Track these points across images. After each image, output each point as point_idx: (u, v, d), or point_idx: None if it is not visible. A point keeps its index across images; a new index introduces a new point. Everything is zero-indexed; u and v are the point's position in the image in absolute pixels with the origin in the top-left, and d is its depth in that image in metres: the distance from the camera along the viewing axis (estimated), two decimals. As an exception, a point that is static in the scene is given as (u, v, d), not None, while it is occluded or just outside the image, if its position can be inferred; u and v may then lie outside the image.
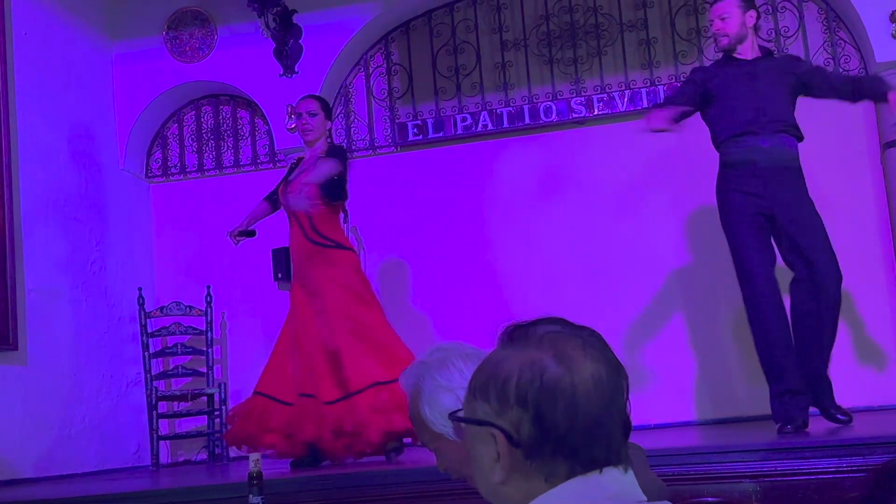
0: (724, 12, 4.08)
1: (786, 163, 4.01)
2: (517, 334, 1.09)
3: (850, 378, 5.28)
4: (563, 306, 5.69)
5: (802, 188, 4.05)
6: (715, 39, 4.18)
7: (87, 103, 5.86)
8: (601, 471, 1.02)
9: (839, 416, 3.87)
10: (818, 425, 3.90)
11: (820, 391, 3.91)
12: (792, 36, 5.68)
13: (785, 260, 3.99)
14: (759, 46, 4.16)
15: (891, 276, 5.39)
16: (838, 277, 3.87)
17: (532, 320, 1.10)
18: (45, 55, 5.47)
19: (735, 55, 4.10)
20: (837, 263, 3.88)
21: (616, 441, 1.04)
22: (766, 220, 3.95)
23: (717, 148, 4.10)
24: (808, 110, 5.56)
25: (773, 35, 5.71)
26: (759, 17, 4.14)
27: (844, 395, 5.22)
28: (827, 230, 3.96)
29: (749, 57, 4.10)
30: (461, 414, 1.11)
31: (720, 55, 4.26)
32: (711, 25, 4.19)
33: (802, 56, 5.63)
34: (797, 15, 5.69)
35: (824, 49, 5.63)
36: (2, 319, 4.80)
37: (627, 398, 1.06)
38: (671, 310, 5.60)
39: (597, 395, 1.02)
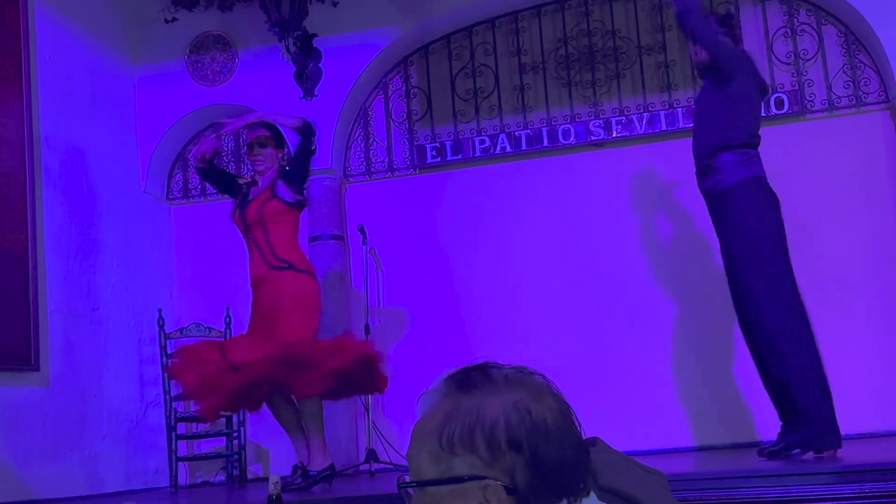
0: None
1: None
2: (474, 379, 1.02)
3: (871, 402, 5.24)
4: (580, 327, 5.68)
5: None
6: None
7: (109, 126, 5.92)
8: (588, 495, 1.01)
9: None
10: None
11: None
12: (811, 59, 5.68)
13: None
14: None
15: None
16: None
17: (470, 366, 1.05)
18: (69, 78, 5.54)
19: None
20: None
21: (591, 466, 1.03)
22: None
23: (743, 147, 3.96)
24: (824, 130, 5.57)
25: (793, 58, 5.70)
26: None
27: (866, 419, 5.20)
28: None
29: None
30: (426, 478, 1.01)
31: None
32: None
33: (822, 79, 5.64)
34: (816, 38, 5.68)
35: (844, 72, 5.62)
36: (24, 341, 4.84)
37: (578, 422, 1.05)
38: (688, 330, 5.58)
39: (568, 426, 1.01)
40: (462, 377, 1.04)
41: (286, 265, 4.39)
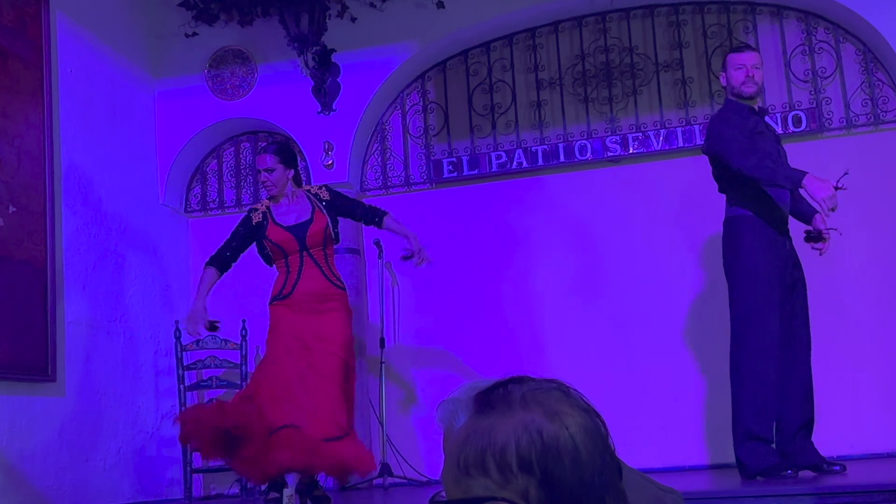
0: (758, 62, 4.26)
1: None
2: (493, 400, 1.03)
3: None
4: (595, 344, 5.67)
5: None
6: (742, 84, 4.19)
7: (129, 139, 5.97)
8: None
9: None
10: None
11: None
12: (829, 77, 5.67)
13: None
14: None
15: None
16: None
17: (498, 382, 1.05)
18: (90, 91, 5.59)
19: (755, 106, 4.25)
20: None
21: (619, 485, 1.01)
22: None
23: (740, 196, 4.12)
24: (841, 148, 5.55)
25: (811, 76, 5.69)
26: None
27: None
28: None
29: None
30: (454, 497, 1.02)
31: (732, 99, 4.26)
32: (741, 70, 4.20)
33: (840, 97, 5.63)
34: (834, 56, 5.67)
35: (862, 90, 5.60)
36: (41, 351, 4.87)
37: (611, 438, 1.04)
38: (704, 347, 5.55)
39: (591, 444, 0.99)
40: (483, 397, 1.04)
41: (342, 285, 4.62)
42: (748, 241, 4.03)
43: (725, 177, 4.14)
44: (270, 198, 4.63)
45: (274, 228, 4.52)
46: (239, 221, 4.71)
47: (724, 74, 4.31)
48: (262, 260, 4.65)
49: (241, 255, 4.70)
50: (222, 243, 4.70)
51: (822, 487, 3.19)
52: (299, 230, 4.50)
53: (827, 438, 4.57)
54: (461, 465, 1.00)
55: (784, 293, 4.04)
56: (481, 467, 0.98)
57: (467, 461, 1.00)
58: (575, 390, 1.04)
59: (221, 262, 4.66)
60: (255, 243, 4.61)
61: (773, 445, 3.93)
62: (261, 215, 4.60)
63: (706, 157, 4.25)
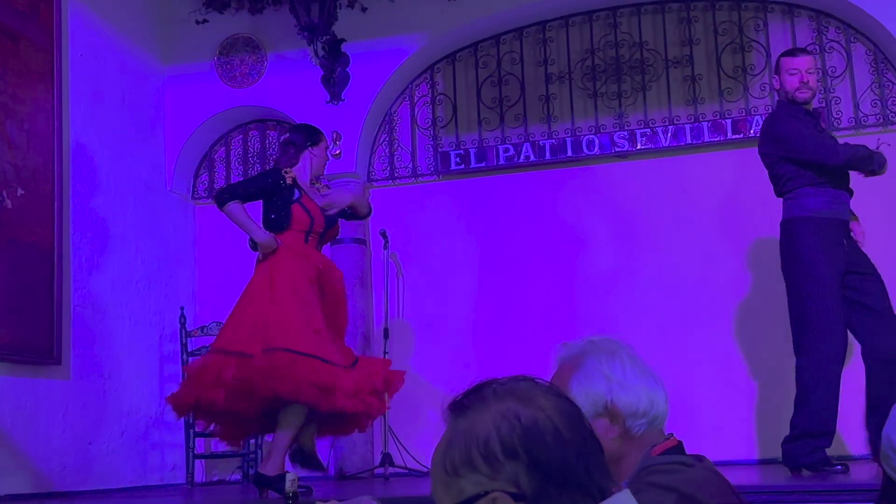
0: (812, 66, 4.20)
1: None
2: (467, 402, 1.06)
3: None
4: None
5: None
6: (797, 90, 4.14)
7: (138, 124, 5.99)
8: (614, 492, 1.01)
9: None
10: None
11: None
12: (839, 76, 5.66)
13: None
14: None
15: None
16: None
17: (467, 390, 1.08)
18: (100, 76, 5.61)
19: (808, 108, 4.18)
20: None
21: (602, 460, 1.04)
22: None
23: (797, 197, 4.11)
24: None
25: (821, 75, 5.68)
26: None
27: None
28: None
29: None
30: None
31: (779, 101, 4.26)
32: (795, 76, 4.15)
33: (850, 97, 5.62)
34: (845, 55, 5.66)
35: (871, 90, 5.60)
36: (47, 334, 4.89)
37: (585, 418, 1.06)
38: (724, 343, 5.55)
39: (569, 422, 1.02)
40: (457, 402, 1.07)
41: None
42: (807, 245, 4.01)
43: (786, 178, 4.09)
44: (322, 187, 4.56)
45: (310, 201, 4.34)
46: (262, 173, 4.74)
47: (776, 78, 4.24)
48: (267, 223, 4.33)
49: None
50: (238, 182, 4.75)
51: (829, 486, 3.20)
52: (329, 219, 4.41)
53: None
54: (448, 468, 1.02)
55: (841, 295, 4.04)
56: (469, 464, 1.01)
57: (454, 462, 1.02)
58: (542, 379, 1.08)
59: (243, 199, 4.34)
60: (270, 203, 4.34)
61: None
62: (292, 180, 4.34)
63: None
